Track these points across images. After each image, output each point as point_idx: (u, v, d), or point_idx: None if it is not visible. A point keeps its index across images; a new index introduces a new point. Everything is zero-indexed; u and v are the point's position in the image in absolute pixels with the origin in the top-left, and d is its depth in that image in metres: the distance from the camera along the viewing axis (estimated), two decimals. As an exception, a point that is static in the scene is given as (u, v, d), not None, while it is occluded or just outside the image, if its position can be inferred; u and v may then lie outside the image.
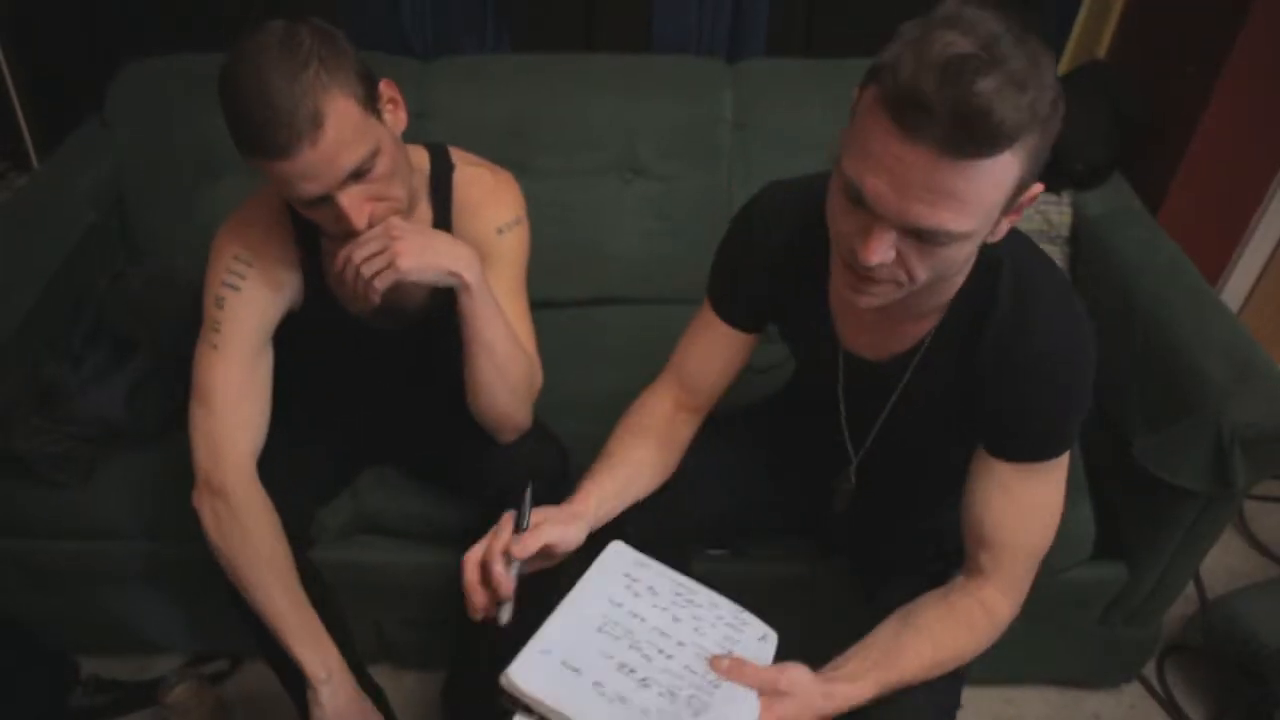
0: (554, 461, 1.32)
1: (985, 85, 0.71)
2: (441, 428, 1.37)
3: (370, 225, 1.06)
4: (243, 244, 1.15)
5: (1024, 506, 0.98)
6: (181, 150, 1.71)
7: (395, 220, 1.08)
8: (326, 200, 1.02)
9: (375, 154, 1.02)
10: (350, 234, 1.06)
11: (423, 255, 1.07)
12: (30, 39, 1.77)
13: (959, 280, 0.95)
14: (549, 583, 0.98)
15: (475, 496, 1.32)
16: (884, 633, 0.99)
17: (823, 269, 1.02)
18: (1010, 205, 0.81)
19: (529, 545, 0.91)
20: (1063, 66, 1.87)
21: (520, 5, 1.82)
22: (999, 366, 0.94)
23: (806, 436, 1.23)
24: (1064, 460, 0.98)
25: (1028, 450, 0.97)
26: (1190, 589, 1.75)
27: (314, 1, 1.74)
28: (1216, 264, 1.78)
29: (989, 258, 0.92)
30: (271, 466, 1.20)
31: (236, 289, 1.14)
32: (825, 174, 0.91)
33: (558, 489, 1.30)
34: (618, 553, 1.01)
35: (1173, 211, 1.70)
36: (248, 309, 1.15)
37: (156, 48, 1.75)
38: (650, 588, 0.97)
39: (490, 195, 1.24)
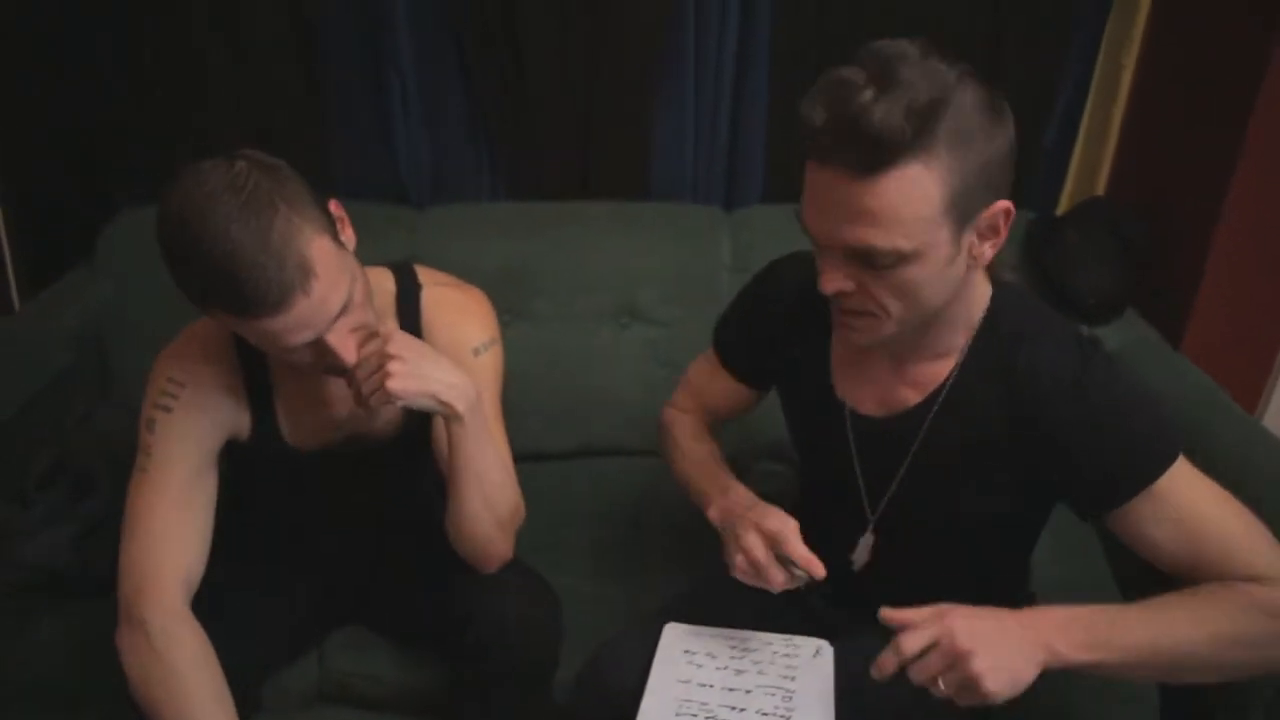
0: (546, 612, 1.20)
1: (859, 101, 0.77)
2: (415, 570, 1.26)
3: (358, 358, 1.00)
4: (179, 366, 1.10)
5: (1191, 519, 0.90)
6: (166, 297, 1.61)
7: (395, 334, 1.03)
8: (313, 343, 0.97)
9: (354, 284, 0.98)
10: (338, 369, 1.01)
11: (412, 379, 1.01)
12: (26, 189, 1.78)
13: (952, 317, 0.95)
14: None
15: (455, 646, 1.18)
16: None
17: (826, 332, 1.06)
18: (963, 222, 0.84)
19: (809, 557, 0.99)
20: (1062, 205, 1.88)
21: (517, 153, 1.84)
22: (1053, 437, 0.92)
23: (820, 511, 1.16)
24: (1182, 462, 0.91)
25: (1137, 478, 0.90)
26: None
27: (309, 149, 1.80)
28: (1250, 394, 1.69)
29: (986, 314, 0.96)
30: (218, 612, 1.08)
31: (169, 410, 1.08)
32: None
33: (550, 643, 1.20)
34: (672, 633, 1.11)
35: (1196, 343, 1.64)
36: (179, 431, 1.08)
37: (151, 196, 1.76)
38: (709, 653, 1.07)
39: (462, 315, 1.20)
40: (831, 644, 1.08)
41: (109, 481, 1.38)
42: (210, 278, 0.89)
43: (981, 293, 0.97)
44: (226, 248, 0.87)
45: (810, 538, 1.19)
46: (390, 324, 1.16)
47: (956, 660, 0.83)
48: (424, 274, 1.22)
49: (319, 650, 1.33)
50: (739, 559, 1.00)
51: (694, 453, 1.20)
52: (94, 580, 1.31)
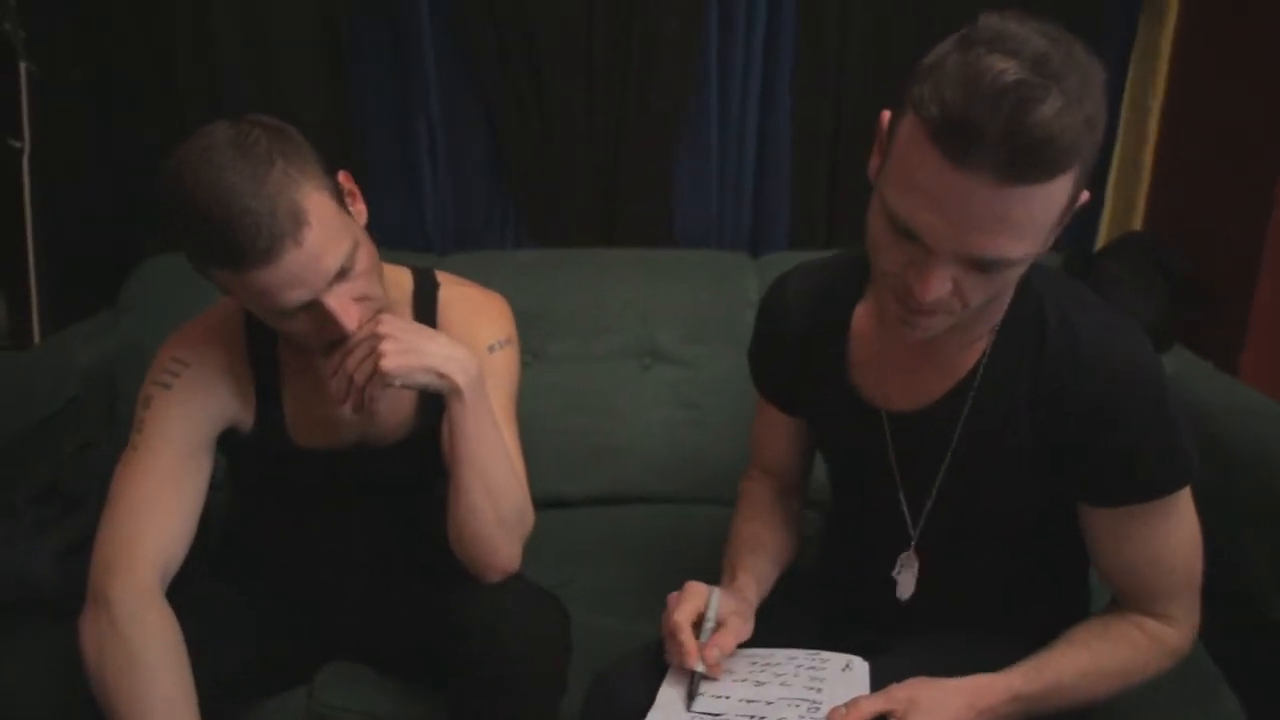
0: (551, 623, 1.09)
1: (1044, 112, 0.68)
2: (415, 581, 1.17)
3: (359, 327, 0.97)
4: (185, 347, 1.08)
5: (1157, 549, 0.90)
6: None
7: (384, 315, 1.00)
8: (310, 306, 0.94)
9: (356, 248, 0.96)
10: (339, 340, 0.98)
11: (407, 356, 0.97)
12: (59, 235, 1.81)
13: (1004, 302, 0.90)
14: None
15: (451, 662, 1.05)
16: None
17: (841, 338, 1.02)
18: (1067, 215, 0.77)
19: (726, 645, 0.92)
20: (1100, 241, 1.83)
21: (541, 204, 1.85)
22: (1069, 407, 0.87)
23: (857, 537, 1.11)
24: (1186, 493, 0.89)
25: (1137, 491, 0.88)
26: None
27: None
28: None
29: (1025, 293, 0.89)
30: (195, 608, 1.01)
31: (167, 387, 1.04)
32: (838, 256, 1.05)
33: (555, 656, 1.08)
34: None
35: (1251, 373, 1.55)
36: (176, 410, 1.04)
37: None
38: (726, 670, 0.97)
39: (479, 312, 1.17)
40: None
41: (97, 504, 1.32)
42: (203, 225, 0.88)
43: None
44: (218, 193, 0.87)
45: (850, 568, 1.13)
46: (405, 317, 1.13)
47: None
48: (443, 276, 1.21)
49: (308, 684, 1.21)
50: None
51: (736, 535, 1.14)
52: (75, 598, 1.23)
